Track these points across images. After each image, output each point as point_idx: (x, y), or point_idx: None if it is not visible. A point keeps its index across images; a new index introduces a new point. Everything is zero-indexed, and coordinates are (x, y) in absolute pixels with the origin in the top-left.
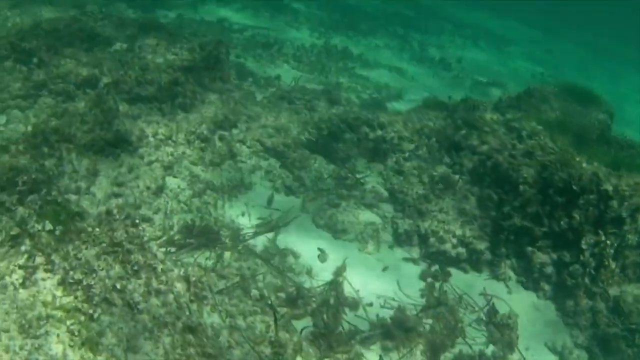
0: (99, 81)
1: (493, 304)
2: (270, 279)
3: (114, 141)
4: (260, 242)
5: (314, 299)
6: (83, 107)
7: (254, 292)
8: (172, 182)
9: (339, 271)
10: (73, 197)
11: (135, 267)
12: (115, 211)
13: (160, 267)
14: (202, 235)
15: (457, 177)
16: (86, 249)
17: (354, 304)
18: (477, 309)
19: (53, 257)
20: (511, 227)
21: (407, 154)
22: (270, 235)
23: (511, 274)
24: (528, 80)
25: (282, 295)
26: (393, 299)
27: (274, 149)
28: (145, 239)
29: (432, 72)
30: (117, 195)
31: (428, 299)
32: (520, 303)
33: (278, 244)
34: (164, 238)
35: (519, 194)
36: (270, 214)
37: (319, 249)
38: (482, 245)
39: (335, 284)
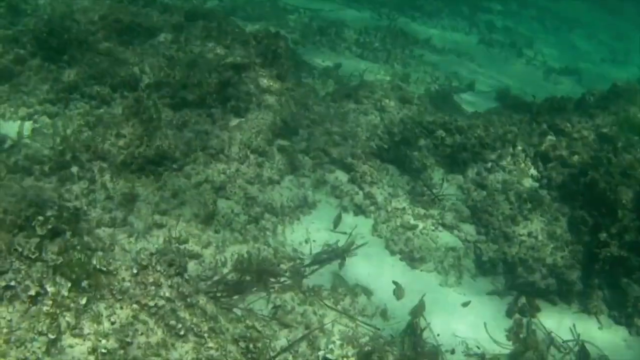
0: (138, 82)
1: (584, 345)
2: (341, 327)
3: (156, 158)
4: (326, 275)
5: (390, 350)
6: (120, 114)
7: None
8: (224, 205)
9: (418, 311)
10: (106, 232)
11: (182, 330)
12: (154, 260)
13: (210, 325)
14: (259, 271)
15: (547, 196)
16: (121, 308)
17: (433, 354)
18: (567, 350)
19: (81, 319)
20: (607, 257)
21: (489, 164)
22: (337, 265)
23: (603, 307)
24: (597, 64)
25: (354, 349)
26: (477, 347)
27: (340, 160)
28: (191, 289)
29: (502, 57)
30: (159, 226)
31: (515, 344)
32: (611, 339)
33: (346, 277)
34: (216, 278)
35: (617, 219)
36: (337, 239)
37: (394, 282)
38: (574, 276)
39: (413, 329)
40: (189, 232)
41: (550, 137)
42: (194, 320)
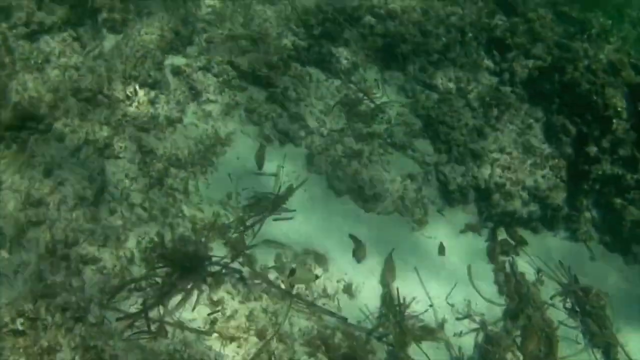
0: None
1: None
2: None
3: (16, 121)
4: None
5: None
6: None
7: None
8: (114, 170)
9: (388, 276)
10: None
11: None
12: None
13: None
14: (182, 259)
15: (512, 95)
16: None
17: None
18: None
19: None
20: (598, 176)
21: (435, 57)
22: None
23: (593, 232)
24: None
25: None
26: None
27: (252, 73)
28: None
29: None
30: (35, 225)
31: (509, 297)
32: (605, 271)
33: (289, 239)
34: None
35: (610, 130)
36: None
37: (351, 237)
38: (559, 199)
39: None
40: (77, 227)
41: (501, 18)
42: None
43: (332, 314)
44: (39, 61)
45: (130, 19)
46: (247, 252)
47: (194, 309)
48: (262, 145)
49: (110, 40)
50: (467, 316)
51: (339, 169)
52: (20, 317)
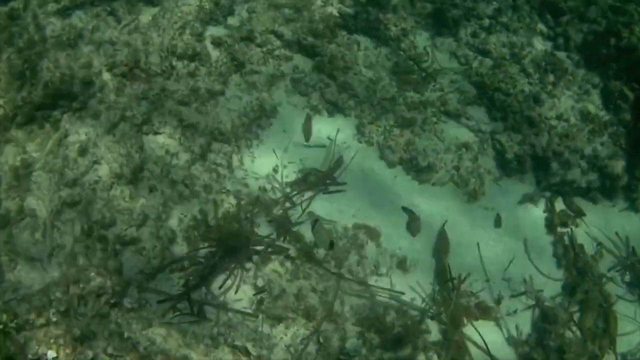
0: None
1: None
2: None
3: (47, 100)
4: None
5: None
6: None
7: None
8: (152, 146)
9: (442, 250)
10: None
11: None
12: None
13: None
14: (225, 239)
15: (567, 60)
16: None
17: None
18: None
19: None
20: None
21: (487, 22)
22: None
23: None
24: None
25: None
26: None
27: (298, 42)
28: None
29: None
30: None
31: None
32: None
33: (340, 214)
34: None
35: None
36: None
37: (404, 209)
38: (618, 167)
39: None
40: (116, 206)
41: None
42: None
43: (386, 290)
44: (71, 37)
45: None
46: (294, 229)
47: (238, 289)
48: (309, 116)
49: (146, 14)
50: (524, 293)
51: (390, 139)
52: (52, 307)
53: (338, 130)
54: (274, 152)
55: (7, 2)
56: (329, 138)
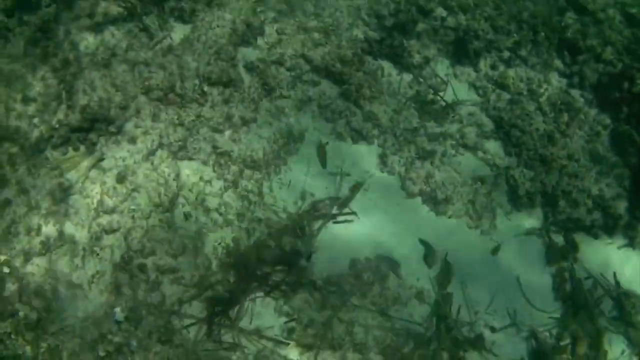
0: None
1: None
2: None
3: (84, 123)
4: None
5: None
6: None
7: None
8: (187, 172)
9: (443, 279)
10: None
11: None
12: None
13: None
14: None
15: (580, 99)
16: None
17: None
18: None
19: None
20: None
21: (506, 54)
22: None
23: None
24: None
25: None
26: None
27: (325, 67)
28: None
29: None
30: (108, 233)
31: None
32: None
33: (360, 244)
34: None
35: None
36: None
37: (421, 241)
38: (621, 208)
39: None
40: (151, 236)
41: (571, 15)
42: None
43: (406, 320)
44: (105, 56)
45: (199, 10)
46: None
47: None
48: (323, 144)
49: (178, 32)
50: (513, 325)
51: (412, 171)
52: (102, 343)
53: (327, 143)
54: (303, 178)
55: (34, 9)
56: (323, 144)
